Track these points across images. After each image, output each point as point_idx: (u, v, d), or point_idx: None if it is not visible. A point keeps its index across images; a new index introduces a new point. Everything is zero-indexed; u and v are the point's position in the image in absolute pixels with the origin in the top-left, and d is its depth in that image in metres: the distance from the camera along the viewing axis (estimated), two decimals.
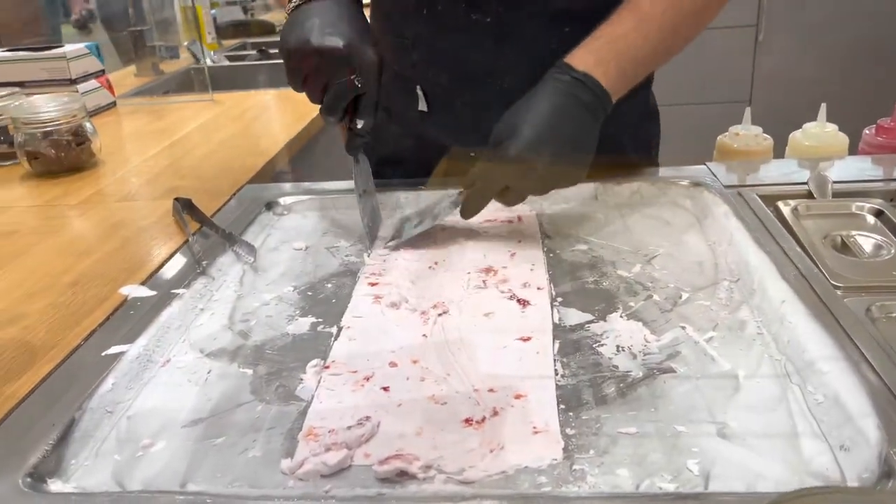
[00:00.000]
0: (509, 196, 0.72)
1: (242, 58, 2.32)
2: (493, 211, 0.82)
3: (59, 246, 0.81)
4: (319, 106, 0.74)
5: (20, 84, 1.34)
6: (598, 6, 0.74)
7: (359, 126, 0.74)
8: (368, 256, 0.74)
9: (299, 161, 1.29)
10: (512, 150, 0.67)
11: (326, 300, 0.67)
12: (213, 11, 2.35)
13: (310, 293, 0.68)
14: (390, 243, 0.76)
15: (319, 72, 0.72)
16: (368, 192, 0.80)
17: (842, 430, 0.45)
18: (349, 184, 0.91)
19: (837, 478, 0.42)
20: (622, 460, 0.44)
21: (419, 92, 0.90)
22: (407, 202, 0.86)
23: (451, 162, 0.91)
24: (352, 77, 0.70)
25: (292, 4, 0.75)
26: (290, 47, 0.72)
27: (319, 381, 0.54)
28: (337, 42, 0.70)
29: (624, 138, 0.88)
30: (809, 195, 0.78)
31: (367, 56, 0.71)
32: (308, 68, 0.72)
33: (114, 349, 0.57)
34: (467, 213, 0.74)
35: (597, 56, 0.70)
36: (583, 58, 0.70)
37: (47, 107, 1.06)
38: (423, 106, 0.91)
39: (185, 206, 0.85)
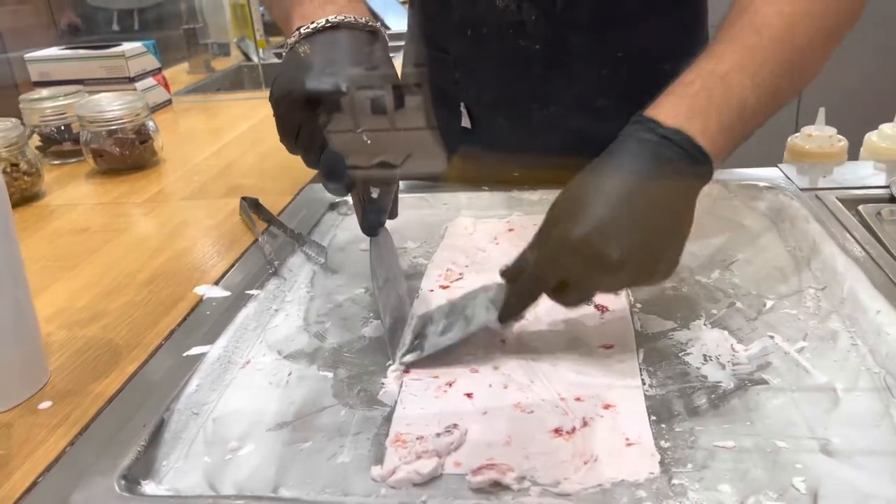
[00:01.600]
0: (569, 294, 0.53)
1: None
2: None
3: (130, 244, 0.83)
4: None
5: (79, 82, 1.36)
6: (652, 35, 0.71)
7: (373, 196, 0.58)
8: (391, 369, 0.55)
9: None
10: (576, 233, 0.49)
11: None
12: (261, 8, 2.36)
13: None
14: (407, 357, 0.56)
15: (314, 125, 0.55)
16: (392, 280, 0.62)
17: None
18: (412, 183, 0.91)
19: None
20: (722, 475, 0.43)
21: (462, 109, 0.89)
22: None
23: (465, 163, 0.90)
24: (359, 130, 0.55)
25: (290, 40, 0.58)
26: (277, 94, 0.56)
27: (401, 386, 0.53)
28: (337, 85, 0.54)
29: None
30: (892, 199, 0.76)
31: (382, 101, 0.55)
32: (301, 120, 0.56)
33: (195, 350, 0.57)
34: (509, 314, 0.54)
35: (690, 105, 0.53)
36: (672, 108, 0.53)
37: (112, 105, 1.08)
38: (466, 122, 0.90)
39: (251, 206, 0.85)
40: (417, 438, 0.47)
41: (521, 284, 0.54)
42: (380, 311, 0.60)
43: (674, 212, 0.52)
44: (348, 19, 0.58)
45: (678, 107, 0.53)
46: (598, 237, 0.49)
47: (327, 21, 0.57)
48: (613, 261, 0.49)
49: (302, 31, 0.57)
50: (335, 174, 0.57)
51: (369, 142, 0.55)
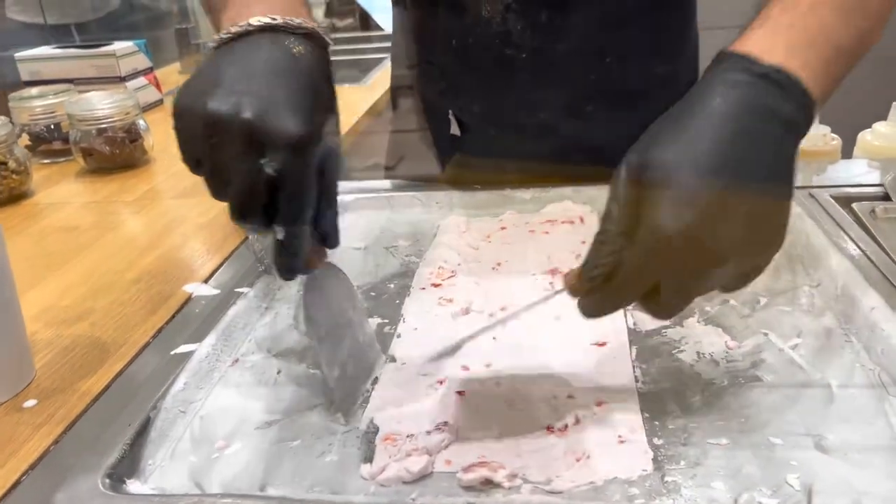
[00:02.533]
0: (669, 295, 0.42)
1: None
2: (555, 211, 0.81)
3: (119, 242, 0.82)
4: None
5: (70, 81, 1.35)
6: (639, 39, 0.72)
7: (280, 237, 0.45)
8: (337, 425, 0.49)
9: (349, 157, 1.29)
10: (679, 224, 0.39)
11: (390, 301, 0.66)
12: None
13: (373, 293, 0.67)
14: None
15: (219, 150, 0.43)
16: (346, 326, 0.53)
17: None
18: (404, 182, 0.91)
19: None
20: (716, 472, 0.43)
21: (451, 117, 0.89)
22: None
23: (456, 169, 0.90)
24: (262, 162, 0.42)
25: (211, 44, 0.48)
26: (179, 107, 0.44)
27: (391, 384, 0.53)
28: (238, 108, 0.42)
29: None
30: (886, 197, 0.75)
31: (288, 129, 0.42)
32: (201, 144, 0.43)
33: (183, 348, 0.56)
34: (594, 314, 0.45)
35: (787, 38, 0.43)
36: (766, 41, 0.43)
37: (102, 104, 1.07)
38: (455, 130, 0.90)
39: None
40: (408, 436, 0.46)
41: (615, 286, 0.42)
42: (320, 365, 0.51)
43: (781, 176, 0.42)
44: (276, 21, 0.46)
45: (774, 39, 0.43)
46: (707, 225, 0.39)
47: (249, 24, 0.46)
48: (726, 252, 0.40)
49: (222, 35, 0.47)
50: (246, 211, 0.44)
51: (272, 173, 0.42)
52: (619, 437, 0.46)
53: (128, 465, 0.45)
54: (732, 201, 0.39)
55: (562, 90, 0.81)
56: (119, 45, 1.44)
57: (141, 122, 1.10)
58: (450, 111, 0.87)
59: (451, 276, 0.68)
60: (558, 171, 0.81)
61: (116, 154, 1.07)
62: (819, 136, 0.91)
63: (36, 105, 1.15)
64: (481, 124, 0.87)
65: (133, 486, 0.44)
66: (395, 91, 1.03)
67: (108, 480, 0.44)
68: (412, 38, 0.88)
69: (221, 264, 0.72)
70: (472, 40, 0.81)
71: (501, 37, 0.79)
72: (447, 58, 0.85)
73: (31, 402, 0.53)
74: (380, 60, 1.93)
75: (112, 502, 0.42)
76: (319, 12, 2.80)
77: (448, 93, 0.87)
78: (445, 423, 0.47)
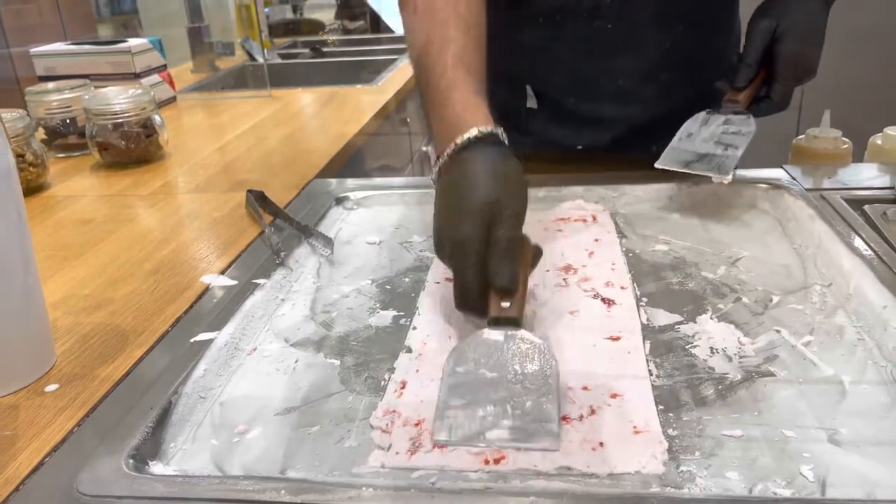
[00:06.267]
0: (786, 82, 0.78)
1: (294, 56, 2.35)
2: (567, 209, 0.81)
3: (136, 235, 0.83)
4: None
5: (85, 77, 1.37)
6: (700, 14, 0.81)
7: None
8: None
9: (359, 158, 1.30)
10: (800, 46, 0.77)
11: (405, 294, 0.66)
12: (266, 10, 2.37)
13: (388, 287, 0.68)
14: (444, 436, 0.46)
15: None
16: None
17: None
18: (417, 179, 0.92)
19: None
20: (730, 463, 0.43)
21: (529, 90, 0.91)
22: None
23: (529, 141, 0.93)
24: None
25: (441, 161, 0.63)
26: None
27: (408, 373, 0.53)
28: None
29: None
30: None
31: None
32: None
33: (202, 336, 0.57)
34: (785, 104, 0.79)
35: None
36: None
37: (118, 99, 1.08)
38: (532, 103, 0.92)
39: (257, 199, 0.85)
40: (425, 423, 0.47)
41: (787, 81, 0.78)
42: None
43: (822, 28, 0.79)
44: (494, 131, 0.62)
45: None
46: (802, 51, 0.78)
47: (479, 132, 0.61)
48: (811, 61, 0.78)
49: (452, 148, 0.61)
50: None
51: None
52: (634, 427, 0.46)
53: (150, 448, 0.46)
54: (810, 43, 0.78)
55: (639, 57, 0.88)
56: (134, 42, 1.45)
57: (157, 117, 1.11)
58: (527, 86, 0.90)
59: None
60: (628, 136, 0.91)
61: (132, 149, 1.08)
62: (830, 139, 0.91)
63: (52, 99, 1.16)
64: (562, 95, 0.91)
65: (156, 467, 0.45)
66: None
67: (131, 461, 0.44)
68: (490, 17, 0.91)
69: (238, 257, 0.73)
70: (560, 17, 0.86)
71: (591, 11, 0.85)
72: (534, 35, 0.89)
73: (52, 387, 0.54)
74: (391, 62, 1.94)
75: (135, 483, 0.43)
76: (330, 14, 2.81)
77: (531, 68, 0.90)
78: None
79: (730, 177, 0.75)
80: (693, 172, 0.76)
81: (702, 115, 0.81)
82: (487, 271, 0.53)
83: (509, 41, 0.89)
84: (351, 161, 1.27)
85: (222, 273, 0.69)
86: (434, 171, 0.65)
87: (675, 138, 0.80)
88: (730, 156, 0.76)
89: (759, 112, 0.80)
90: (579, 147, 0.85)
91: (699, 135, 0.80)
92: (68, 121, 1.16)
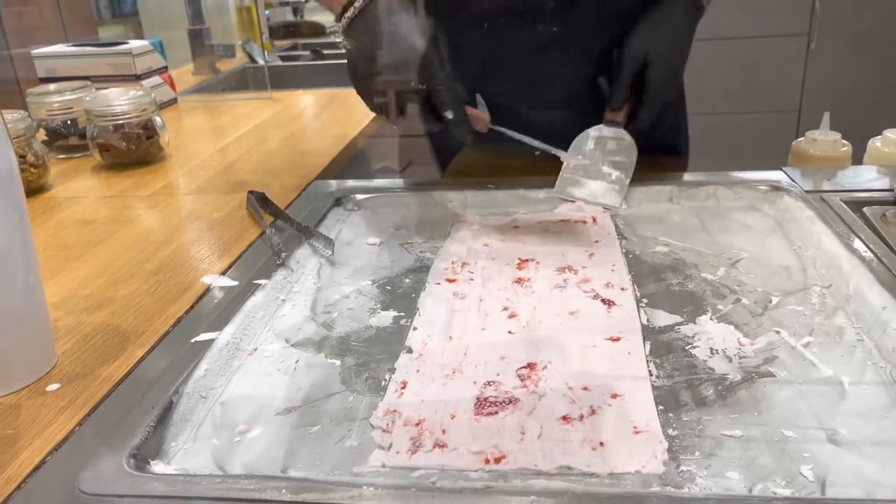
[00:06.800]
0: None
1: (295, 58, 2.35)
2: (567, 211, 0.82)
3: (137, 235, 0.83)
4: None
5: (86, 79, 1.37)
6: (645, 9, 0.82)
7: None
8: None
9: (360, 159, 1.30)
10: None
11: (406, 295, 0.66)
12: (266, 12, 2.37)
13: (388, 287, 0.68)
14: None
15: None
16: None
17: None
18: (418, 181, 0.92)
19: None
20: (730, 463, 0.43)
21: (479, 98, 0.91)
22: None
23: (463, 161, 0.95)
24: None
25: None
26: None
27: (409, 374, 0.54)
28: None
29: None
30: None
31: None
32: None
33: (203, 336, 0.57)
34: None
35: None
36: None
37: (119, 100, 1.08)
38: (483, 111, 0.92)
39: (258, 200, 0.85)
40: (426, 423, 0.47)
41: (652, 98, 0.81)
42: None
43: (686, 45, 0.85)
44: None
45: None
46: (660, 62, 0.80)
47: None
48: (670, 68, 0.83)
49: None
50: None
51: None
52: (635, 427, 0.46)
53: (152, 447, 0.46)
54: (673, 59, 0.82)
55: (582, 58, 0.88)
56: (135, 44, 1.45)
57: (157, 118, 1.11)
58: (478, 94, 0.90)
59: (466, 272, 0.69)
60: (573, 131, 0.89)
61: (132, 150, 1.08)
62: (830, 141, 0.91)
63: (53, 101, 1.16)
64: (509, 102, 0.89)
65: (157, 466, 0.45)
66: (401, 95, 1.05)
67: (132, 461, 0.44)
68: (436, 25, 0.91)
69: (238, 258, 0.73)
70: (504, 20, 0.87)
71: (533, 14, 0.85)
72: (477, 41, 0.89)
73: (54, 386, 0.54)
74: None
75: (137, 482, 0.43)
76: (330, 17, 2.81)
77: (477, 77, 0.90)
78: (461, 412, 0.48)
79: (622, 205, 0.80)
80: (588, 201, 0.79)
81: (590, 131, 0.81)
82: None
83: (454, 49, 0.89)
84: (352, 162, 1.27)
85: (223, 273, 0.70)
86: (344, 21, 0.80)
87: (565, 164, 0.80)
88: (619, 185, 0.79)
89: (631, 132, 0.81)
90: (537, 153, 0.85)
91: (589, 156, 0.81)
92: (69, 122, 1.17)
